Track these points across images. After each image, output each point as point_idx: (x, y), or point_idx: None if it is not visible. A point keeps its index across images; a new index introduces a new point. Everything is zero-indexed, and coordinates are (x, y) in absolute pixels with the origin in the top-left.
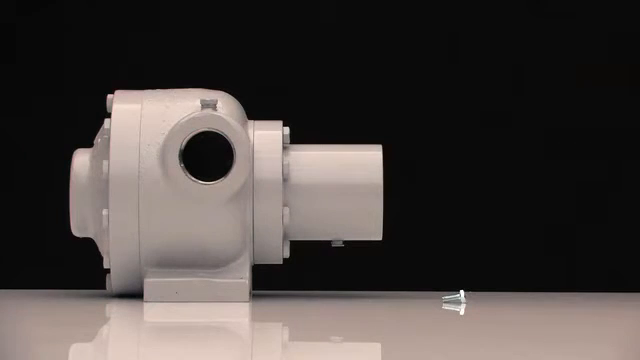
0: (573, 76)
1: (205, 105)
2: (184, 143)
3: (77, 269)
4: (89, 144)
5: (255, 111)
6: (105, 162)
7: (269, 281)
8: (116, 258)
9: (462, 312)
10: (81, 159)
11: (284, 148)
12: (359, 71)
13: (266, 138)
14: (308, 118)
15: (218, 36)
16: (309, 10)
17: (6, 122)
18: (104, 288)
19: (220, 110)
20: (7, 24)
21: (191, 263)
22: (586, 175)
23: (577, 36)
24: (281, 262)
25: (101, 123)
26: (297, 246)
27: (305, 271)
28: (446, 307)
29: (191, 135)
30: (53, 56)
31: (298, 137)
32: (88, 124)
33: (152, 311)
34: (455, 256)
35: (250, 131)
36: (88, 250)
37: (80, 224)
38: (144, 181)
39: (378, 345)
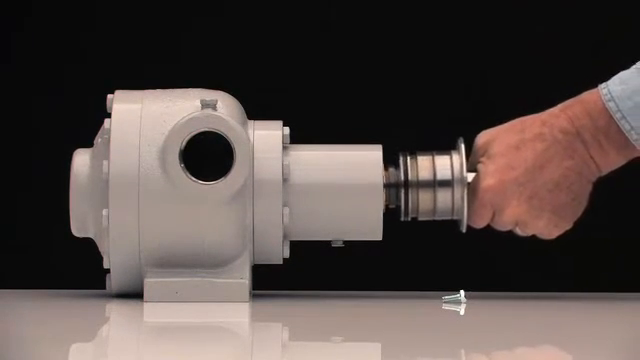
0: None
1: (205, 105)
2: (184, 143)
3: (77, 269)
4: (89, 144)
5: (255, 111)
6: (105, 162)
7: (269, 281)
8: (116, 258)
9: (462, 312)
10: (81, 159)
11: (284, 148)
12: (359, 71)
13: (266, 138)
14: (308, 118)
15: (218, 36)
16: (309, 10)
17: (6, 122)
18: (104, 288)
19: (220, 110)
20: (7, 24)
21: (191, 263)
22: None
23: None
24: (281, 262)
25: (101, 123)
26: (297, 246)
27: (305, 271)
28: (446, 307)
29: (191, 135)
30: (53, 56)
31: (298, 137)
32: (88, 124)
33: (152, 311)
34: (455, 256)
35: (250, 131)
36: (88, 250)
37: (80, 224)
38: (144, 181)
39: (378, 345)
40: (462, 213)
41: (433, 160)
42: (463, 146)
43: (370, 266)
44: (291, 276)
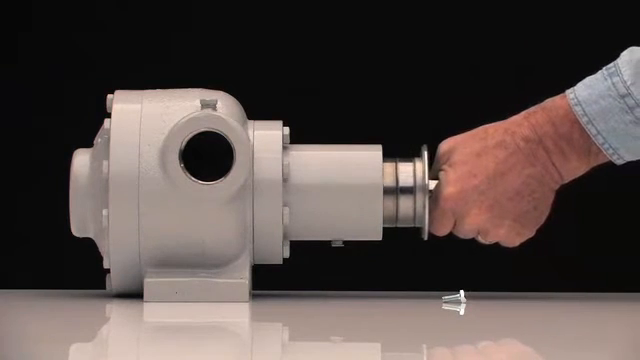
0: None
1: (205, 105)
2: (184, 143)
3: (77, 269)
4: (89, 144)
5: (255, 111)
6: (105, 162)
7: (269, 281)
8: (116, 258)
9: (462, 312)
10: (81, 159)
11: (284, 148)
12: (359, 71)
13: (266, 138)
14: (308, 118)
15: (218, 36)
16: (309, 10)
17: (6, 122)
18: (104, 288)
19: (220, 110)
20: (8, 25)
21: (191, 263)
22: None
23: None
24: (281, 262)
25: (101, 123)
26: (297, 246)
27: (305, 271)
28: (446, 307)
29: (191, 135)
30: (53, 56)
31: (298, 137)
32: (88, 124)
33: (152, 311)
34: (455, 256)
35: (250, 131)
36: (88, 250)
37: (80, 224)
38: (144, 181)
39: (378, 345)
40: (423, 221)
41: (396, 167)
42: (426, 153)
43: (370, 266)
44: (291, 276)
